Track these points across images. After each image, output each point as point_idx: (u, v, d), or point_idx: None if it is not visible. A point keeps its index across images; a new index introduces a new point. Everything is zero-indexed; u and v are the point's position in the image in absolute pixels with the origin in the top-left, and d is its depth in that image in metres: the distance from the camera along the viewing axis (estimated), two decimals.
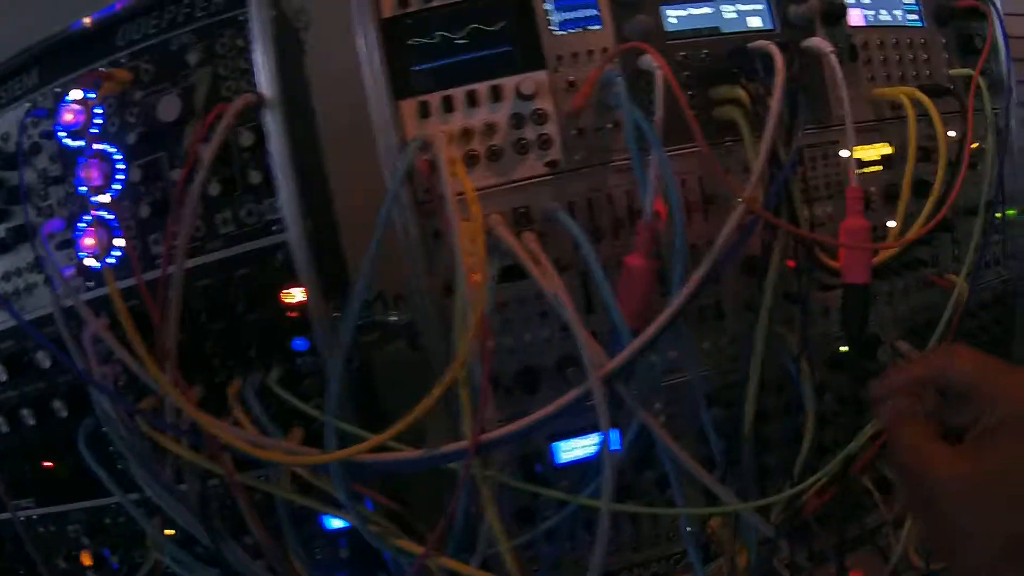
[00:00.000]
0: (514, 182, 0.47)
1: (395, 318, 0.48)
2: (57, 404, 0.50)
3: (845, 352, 0.52)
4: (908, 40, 0.56)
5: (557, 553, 0.51)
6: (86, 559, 0.53)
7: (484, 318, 0.40)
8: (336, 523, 0.51)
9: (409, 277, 0.46)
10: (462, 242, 0.41)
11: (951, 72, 0.56)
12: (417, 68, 0.47)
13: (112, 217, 0.48)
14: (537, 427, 0.40)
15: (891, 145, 0.54)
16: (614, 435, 0.46)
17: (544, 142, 0.47)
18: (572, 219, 0.45)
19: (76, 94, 0.47)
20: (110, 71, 0.47)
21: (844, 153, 0.52)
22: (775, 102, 0.43)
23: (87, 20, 0.50)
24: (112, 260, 0.48)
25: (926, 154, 0.53)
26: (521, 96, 0.46)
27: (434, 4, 0.47)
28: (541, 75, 0.47)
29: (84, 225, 0.48)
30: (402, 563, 0.48)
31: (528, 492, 0.50)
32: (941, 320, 0.51)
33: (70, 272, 0.49)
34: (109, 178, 0.48)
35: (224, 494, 0.48)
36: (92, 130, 0.48)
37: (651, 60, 0.44)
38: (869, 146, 0.54)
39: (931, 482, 0.34)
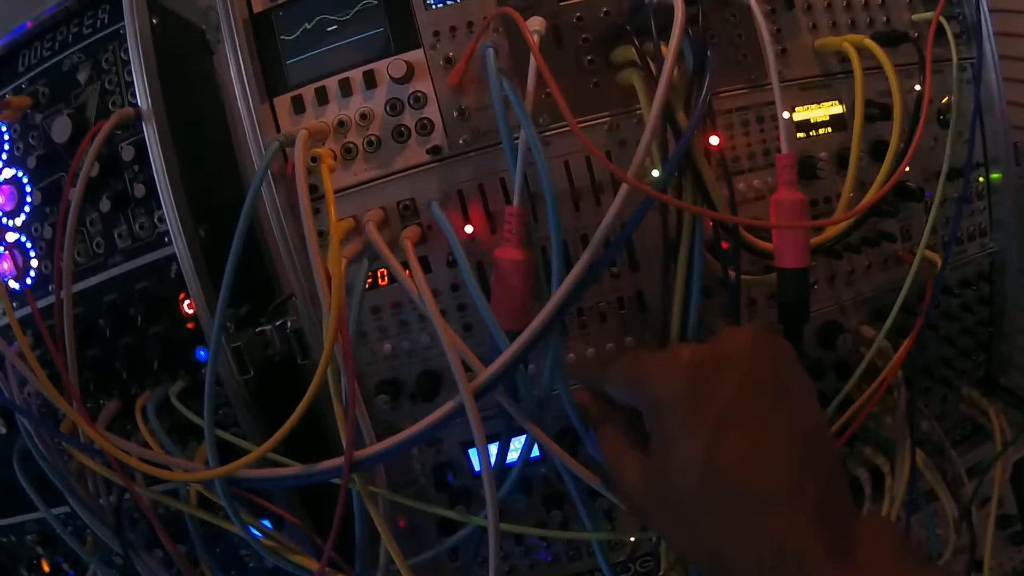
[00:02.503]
0: (395, 173, 0.44)
1: (289, 324, 0.46)
2: None
3: None
4: None
5: (475, 565, 0.48)
6: (45, 567, 0.56)
7: (345, 326, 0.37)
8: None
9: (288, 283, 0.44)
10: (331, 242, 0.38)
11: (913, 17, 0.47)
12: (291, 61, 0.45)
13: (26, 239, 0.50)
14: (410, 443, 0.37)
15: (842, 104, 0.46)
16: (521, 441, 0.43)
17: (424, 127, 0.43)
18: (456, 208, 0.42)
19: None
20: (8, 99, 0.48)
21: (785, 115, 0.45)
22: (668, 58, 0.37)
23: None
24: (29, 282, 0.49)
25: (887, 112, 0.45)
26: (394, 79, 0.43)
27: None
28: (416, 54, 0.44)
29: (1, 249, 0.49)
30: None
31: (445, 502, 0.48)
32: (898, 300, 0.43)
33: None
34: (21, 202, 0.50)
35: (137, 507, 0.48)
36: (1, 156, 0.50)
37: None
38: (816, 105, 0.46)
39: (627, 500, 0.36)
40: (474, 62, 0.43)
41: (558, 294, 0.35)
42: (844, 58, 0.46)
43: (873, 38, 0.45)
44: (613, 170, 0.35)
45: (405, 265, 0.40)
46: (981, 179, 0.48)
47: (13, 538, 0.56)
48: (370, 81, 0.44)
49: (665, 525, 0.33)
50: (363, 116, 0.44)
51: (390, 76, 0.42)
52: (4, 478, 0.55)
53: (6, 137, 0.50)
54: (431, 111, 0.44)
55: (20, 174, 0.50)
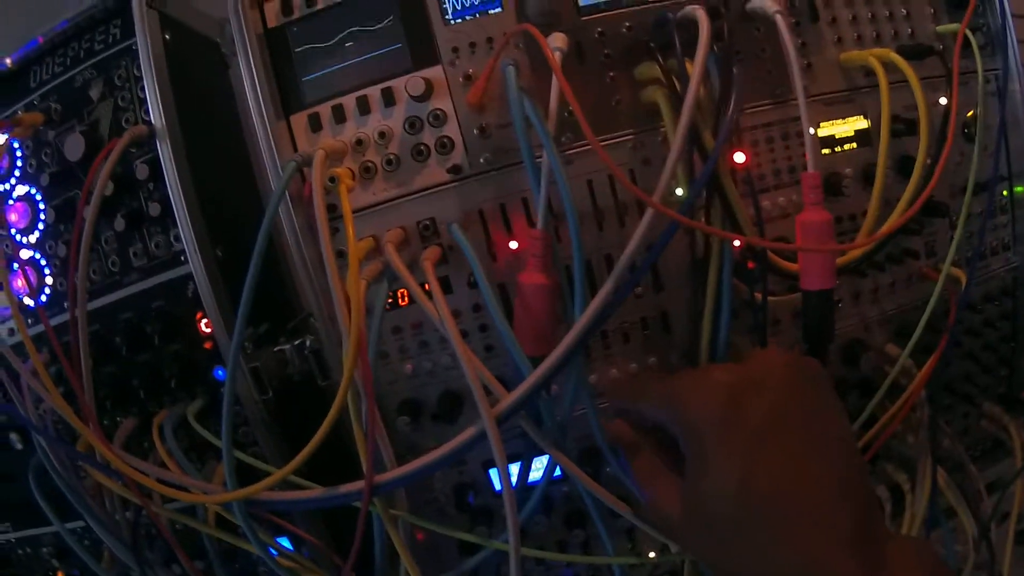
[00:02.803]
0: (415, 193, 0.43)
1: (308, 344, 0.46)
2: (13, 437, 0.52)
3: None
4: None
5: None
6: None
7: (364, 349, 0.37)
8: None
9: (307, 303, 0.43)
10: (350, 264, 0.38)
11: (937, 29, 0.47)
12: (307, 78, 0.44)
13: (40, 257, 0.49)
14: (432, 468, 0.37)
15: (867, 118, 0.46)
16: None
17: (444, 146, 0.43)
18: (477, 228, 0.41)
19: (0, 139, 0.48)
20: (20, 116, 0.48)
21: (810, 131, 0.44)
22: (694, 77, 0.36)
23: (8, 61, 0.51)
24: (44, 299, 0.49)
25: (912, 127, 0.44)
26: (413, 97, 0.42)
27: (319, 7, 0.44)
28: (435, 71, 0.43)
29: (15, 266, 0.49)
30: None
31: (465, 523, 0.47)
32: (922, 318, 0.43)
33: (8, 313, 0.51)
34: (34, 219, 0.49)
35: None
36: (15, 173, 0.49)
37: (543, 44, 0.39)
38: (841, 120, 0.46)
39: (661, 524, 0.36)
40: (494, 79, 0.42)
41: (582, 320, 0.35)
42: (868, 72, 0.45)
43: (898, 51, 0.44)
44: (638, 194, 0.34)
45: (425, 286, 0.39)
46: (1005, 192, 0.47)
47: (29, 550, 0.56)
48: (388, 99, 0.43)
49: (700, 547, 0.33)
50: (381, 134, 0.43)
51: (408, 94, 0.42)
52: (20, 492, 0.55)
53: (19, 154, 0.49)
54: (451, 129, 0.43)
55: (34, 191, 0.49)
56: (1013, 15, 0.48)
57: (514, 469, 0.47)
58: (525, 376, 0.35)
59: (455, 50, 0.43)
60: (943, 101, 0.45)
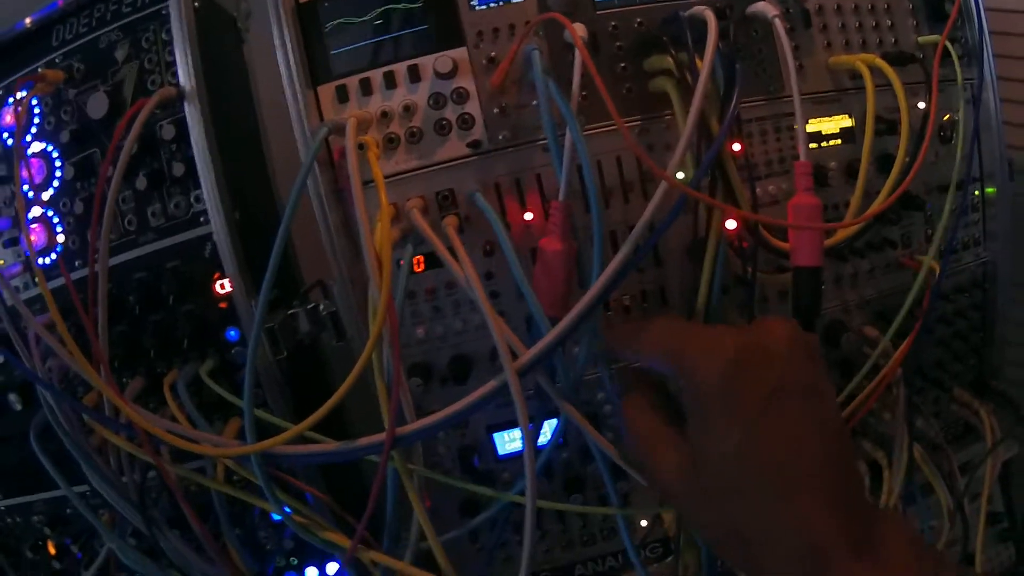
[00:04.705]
0: (436, 164, 0.45)
1: (321, 307, 0.47)
2: (12, 397, 0.52)
3: None
4: (870, 5, 0.51)
5: (497, 547, 0.49)
6: (51, 548, 0.55)
7: (392, 306, 0.39)
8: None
9: (330, 266, 0.45)
10: (379, 228, 0.39)
11: (919, 39, 0.51)
12: (335, 52, 0.46)
13: (52, 214, 0.49)
14: (452, 420, 0.39)
15: (851, 117, 0.50)
16: (552, 425, 0.45)
17: (465, 122, 0.45)
18: (493, 200, 0.44)
19: (18, 96, 0.48)
20: (42, 72, 0.48)
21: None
22: (704, 70, 0.40)
23: (28, 21, 0.51)
24: (54, 257, 0.49)
25: (893, 127, 0.48)
26: (439, 75, 0.44)
27: None
28: (460, 52, 0.45)
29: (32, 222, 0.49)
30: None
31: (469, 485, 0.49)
32: (906, 301, 0.47)
33: (16, 270, 0.51)
34: (49, 176, 0.49)
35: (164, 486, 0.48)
36: (32, 129, 0.49)
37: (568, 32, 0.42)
38: (828, 118, 0.50)
39: (656, 479, 0.36)
40: (516, 63, 0.45)
41: (600, 281, 0.37)
42: (855, 75, 0.50)
43: (883, 57, 0.48)
44: (656, 171, 0.37)
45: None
46: (977, 192, 0.52)
47: (19, 519, 0.56)
48: (414, 75, 0.45)
49: (693, 506, 0.34)
50: (406, 108, 0.45)
51: (436, 71, 0.44)
52: (14, 457, 0.55)
53: (37, 111, 0.50)
54: (472, 107, 0.45)
55: (50, 148, 0.49)
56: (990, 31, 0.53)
57: (517, 434, 0.50)
58: (544, 333, 0.38)
59: (479, 34, 0.45)
60: (922, 105, 0.49)
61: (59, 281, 0.49)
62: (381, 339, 0.39)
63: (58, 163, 0.49)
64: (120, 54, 0.48)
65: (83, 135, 0.48)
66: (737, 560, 0.34)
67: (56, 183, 0.49)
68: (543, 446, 0.44)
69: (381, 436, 0.39)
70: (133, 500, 0.47)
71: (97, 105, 0.47)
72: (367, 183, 0.44)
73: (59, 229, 0.49)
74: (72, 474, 0.49)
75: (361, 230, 0.38)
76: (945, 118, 0.49)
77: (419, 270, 0.46)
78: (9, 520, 0.56)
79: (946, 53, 0.47)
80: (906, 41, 0.51)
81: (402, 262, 0.42)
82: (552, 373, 0.41)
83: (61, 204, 0.49)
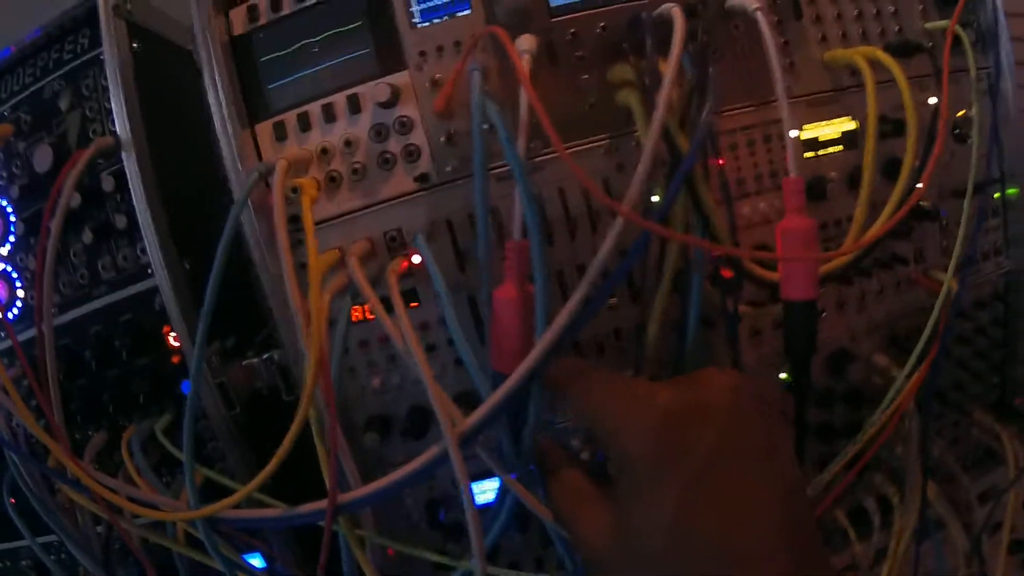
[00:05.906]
0: (382, 203, 0.42)
1: (276, 357, 0.45)
2: None
3: (787, 380, 0.43)
4: None
5: None
6: None
7: (325, 366, 0.36)
8: (255, 562, 0.50)
9: (272, 315, 0.42)
10: (311, 279, 0.37)
11: (926, 26, 0.44)
12: (272, 86, 0.43)
13: (11, 269, 0.49)
14: (394, 488, 0.35)
15: (854, 119, 0.44)
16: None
17: (411, 154, 0.42)
18: (445, 241, 0.40)
19: None
20: None
21: (793, 133, 0.43)
22: (668, 77, 0.35)
23: None
24: (15, 313, 0.48)
25: (900, 128, 0.42)
26: (379, 104, 0.41)
27: (286, 12, 0.43)
28: (401, 77, 0.42)
29: None
30: None
31: (438, 539, 0.46)
32: (926, 326, 0.41)
33: None
34: (5, 231, 0.49)
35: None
36: None
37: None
38: (826, 122, 0.44)
39: (580, 546, 0.32)
40: (462, 84, 0.41)
41: (547, 337, 0.33)
42: (855, 71, 0.44)
43: (885, 49, 0.42)
44: (608, 202, 0.32)
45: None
46: (997, 195, 0.45)
47: (8, 563, 0.56)
48: (354, 106, 0.42)
49: None
50: (347, 143, 0.42)
51: (374, 100, 0.41)
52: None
53: None
54: (418, 137, 0.42)
55: (4, 203, 0.49)
56: (1005, 12, 0.46)
57: (492, 485, 0.46)
58: (485, 397, 0.34)
59: (422, 54, 0.42)
60: (931, 101, 0.43)
61: (28, 334, 0.48)
62: (321, 399, 0.37)
63: (12, 218, 0.48)
64: (64, 103, 0.47)
65: (32, 189, 0.47)
66: None
67: (12, 238, 0.49)
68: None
69: (323, 503, 0.36)
70: (97, 556, 0.46)
71: (42, 158, 0.46)
72: (319, 223, 0.41)
73: (18, 285, 0.49)
74: (46, 524, 0.49)
75: (287, 285, 0.35)
76: (959, 114, 0.42)
77: (372, 318, 0.43)
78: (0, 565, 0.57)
79: (957, 40, 0.40)
80: (911, 28, 0.44)
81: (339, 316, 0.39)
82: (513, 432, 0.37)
83: (18, 259, 0.49)
